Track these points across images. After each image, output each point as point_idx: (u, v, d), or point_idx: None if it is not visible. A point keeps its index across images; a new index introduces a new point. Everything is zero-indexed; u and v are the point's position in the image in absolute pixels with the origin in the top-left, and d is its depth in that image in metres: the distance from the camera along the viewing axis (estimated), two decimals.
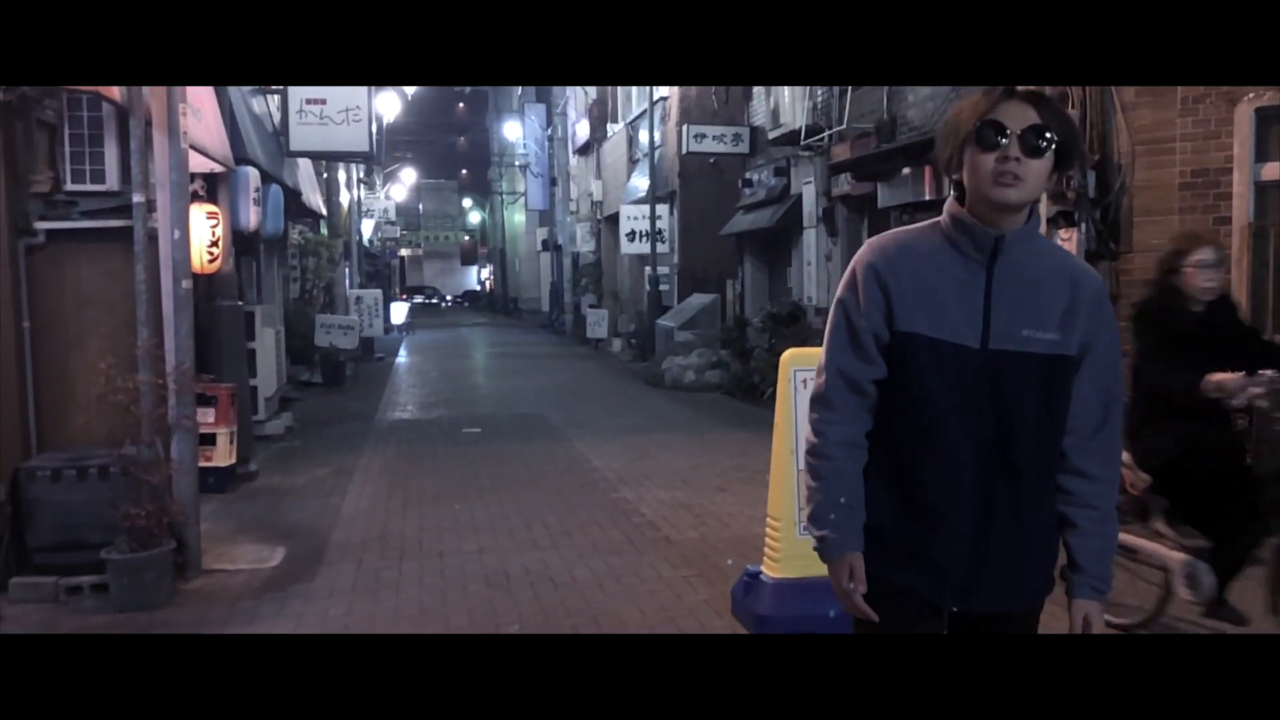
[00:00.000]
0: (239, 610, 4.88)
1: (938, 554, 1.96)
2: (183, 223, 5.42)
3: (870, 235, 10.88)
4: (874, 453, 2.01)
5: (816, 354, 4.69)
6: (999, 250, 1.91)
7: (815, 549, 2.04)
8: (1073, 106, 6.81)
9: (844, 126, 10.84)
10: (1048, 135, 1.85)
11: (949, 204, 1.97)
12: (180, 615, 4.82)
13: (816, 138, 11.75)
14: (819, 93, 11.74)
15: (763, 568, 4.53)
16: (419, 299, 55.59)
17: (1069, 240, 6.80)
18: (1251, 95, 6.22)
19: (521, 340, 27.72)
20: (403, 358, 21.49)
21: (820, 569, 4.28)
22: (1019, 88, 1.91)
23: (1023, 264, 1.93)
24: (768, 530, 4.54)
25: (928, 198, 9.26)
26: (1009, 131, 1.85)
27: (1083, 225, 6.78)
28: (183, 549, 5.27)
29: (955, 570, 1.96)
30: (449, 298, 60.67)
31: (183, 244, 5.41)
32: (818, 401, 2.04)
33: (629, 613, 4.77)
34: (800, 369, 4.51)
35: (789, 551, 4.42)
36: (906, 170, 9.61)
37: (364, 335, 18.62)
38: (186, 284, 5.41)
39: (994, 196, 1.86)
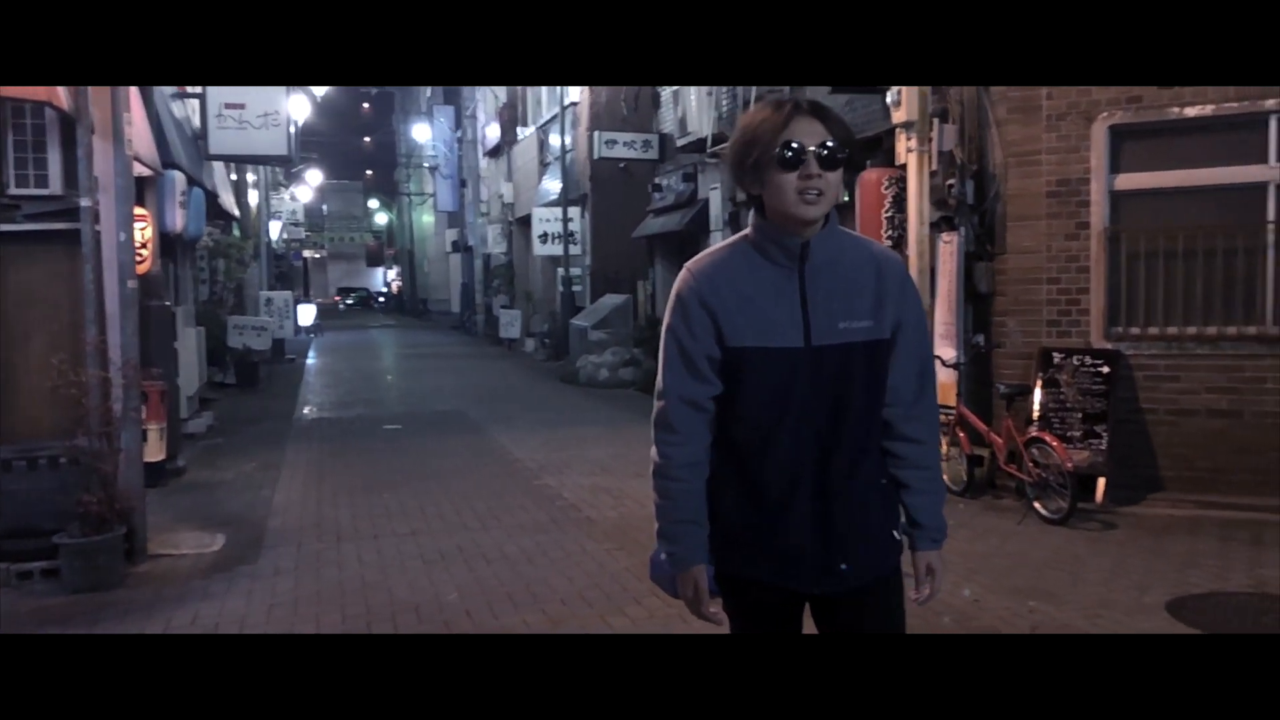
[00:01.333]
0: (190, 589, 5.19)
1: (790, 544, 2.05)
2: (127, 225, 5.69)
3: None
4: (719, 460, 2.09)
5: None
6: (806, 254, 2.01)
7: (663, 560, 2.14)
8: (953, 121, 7.51)
9: None
10: (842, 149, 1.95)
11: (753, 218, 2.07)
12: (133, 596, 5.11)
13: (722, 145, 12.35)
14: (724, 102, 12.35)
15: None
16: (350, 300, 56.42)
17: (950, 243, 7.48)
18: (1105, 114, 6.99)
19: (433, 341, 27.84)
20: (314, 359, 21.50)
21: None
22: (803, 101, 1.99)
23: (829, 262, 2.03)
24: None
25: None
26: (807, 150, 1.93)
27: (962, 230, 7.47)
28: (131, 535, 5.54)
29: (809, 556, 2.05)
30: (359, 297, 60.38)
31: (128, 246, 5.69)
32: (660, 425, 2.10)
33: (558, 581, 5.24)
34: None
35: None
36: None
37: (276, 337, 18.62)
38: (132, 284, 5.70)
39: (800, 214, 1.96)
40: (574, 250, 19.52)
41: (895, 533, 2.15)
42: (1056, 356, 7.05)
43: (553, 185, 20.55)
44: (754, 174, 2.00)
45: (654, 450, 2.12)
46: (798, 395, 2.02)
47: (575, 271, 19.95)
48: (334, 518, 6.79)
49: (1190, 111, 6.79)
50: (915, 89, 7.19)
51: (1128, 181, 7.05)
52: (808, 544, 2.05)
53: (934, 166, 7.34)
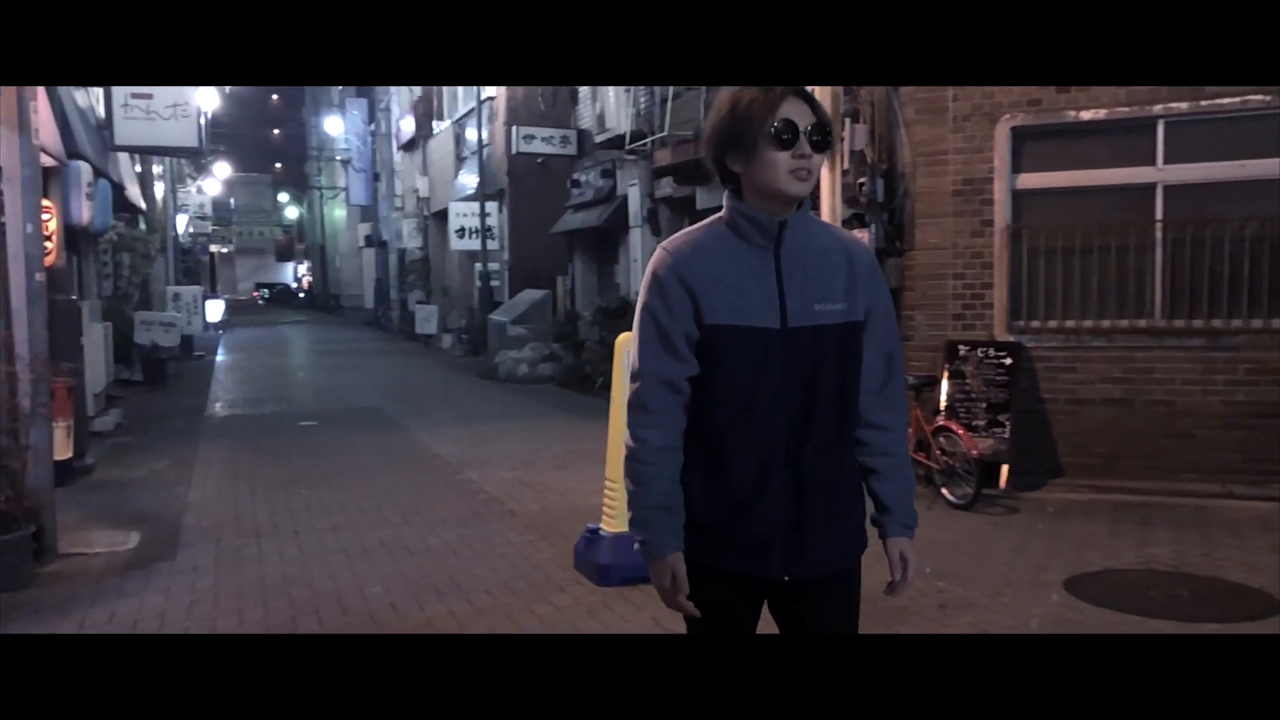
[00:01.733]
0: (105, 587, 5.10)
1: (762, 529, 2.03)
2: (34, 217, 5.55)
3: None
4: (691, 445, 2.06)
5: None
6: (782, 235, 2.02)
7: (636, 550, 2.08)
8: (864, 122, 7.74)
9: (665, 133, 11.62)
10: (829, 131, 2.00)
11: (729, 199, 2.06)
12: (44, 595, 5.00)
13: (640, 143, 12.48)
14: (642, 100, 12.48)
15: (602, 524, 5.15)
16: (267, 294, 55.94)
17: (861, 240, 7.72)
18: (1008, 116, 7.30)
19: (347, 337, 27.43)
20: (224, 356, 21.01)
21: None
22: (791, 87, 2.00)
23: (803, 244, 2.04)
24: (606, 491, 5.16)
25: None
26: (800, 130, 1.96)
27: (873, 226, 7.71)
28: (40, 533, 5.41)
29: (780, 542, 2.03)
30: (275, 292, 59.32)
31: (35, 238, 5.54)
32: (635, 407, 2.06)
33: (482, 572, 5.29)
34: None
35: (624, 509, 5.04)
36: None
37: (184, 333, 18.17)
38: (40, 277, 5.55)
39: (791, 190, 1.97)
40: (492, 245, 19.46)
41: (863, 524, 2.14)
42: (962, 349, 7.34)
43: (469, 180, 20.44)
44: (742, 152, 1.99)
45: (627, 435, 2.07)
46: (772, 377, 2.01)
47: (493, 266, 19.89)
48: (252, 514, 6.71)
49: (1085, 115, 7.13)
50: (827, 90, 7.39)
51: (1028, 181, 7.37)
52: (779, 530, 2.03)
53: (845, 165, 7.56)
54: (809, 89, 2.04)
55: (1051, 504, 6.64)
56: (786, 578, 2.05)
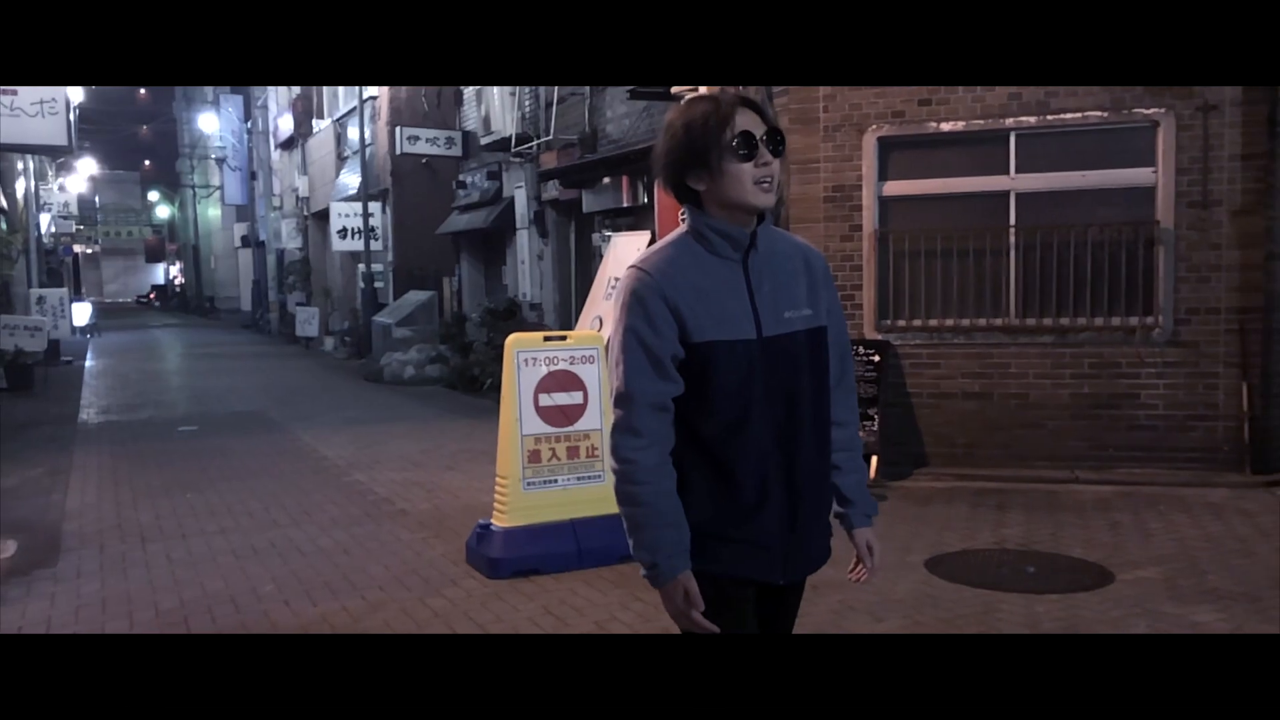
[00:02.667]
0: None
1: (765, 537, 2.05)
2: None
3: (577, 238, 11.92)
4: (690, 460, 2.05)
5: (536, 338, 5.58)
6: (752, 246, 2.04)
7: (645, 575, 2.05)
8: None
9: (550, 137, 11.80)
10: (781, 137, 2.02)
11: (694, 214, 2.05)
12: None
13: (526, 145, 12.63)
14: (527, 104, 12.62)
15: (493, 519, 5.31)
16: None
17: None
18: (874, 126, 7.74)
19: (224, 340, 26.68)
20: (94, 361, 20.25)
21: (542, 516, 5.18)
22: (742, 95, 2.02)
23: (767, 254, 2.06)
24: (497, 488, 5.33)
25: (626, 204, 10.39)
26: (758, 139, 1.96)
27: None
28: None
29: (778, 545, 2.07)
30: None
31: None
32: (625, 431, 2.03)
33: (375, 569, 5.39)
34: (522, 350, 5.34)
35: (515, 505, 5.24)
36: (607, 180, 10.71)
37: (51, 338, 17.44)
38: None
39: (758, 202, 1.98)
40: (375, 246, 19.27)
41: (831, 518, 2.20)
42: None
43: (351, 179, 20.18)
44: (705, 170, 1.98)
45: (614, 461, 2.05)
46: (758, 386, 2.02)
47: (377, 268, 19.70)
48: (136, 520, 6.63)
49: (945, 126, 7.62)
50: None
51: (894, 188, 7.82)
52: (777, 536, 2.06)
53: None
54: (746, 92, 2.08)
55: (916, 491, 7.09)
56: (781, 581, 2.11)
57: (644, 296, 2.00)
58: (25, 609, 4.82)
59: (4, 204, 14.54)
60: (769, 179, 1.98)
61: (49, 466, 8.53)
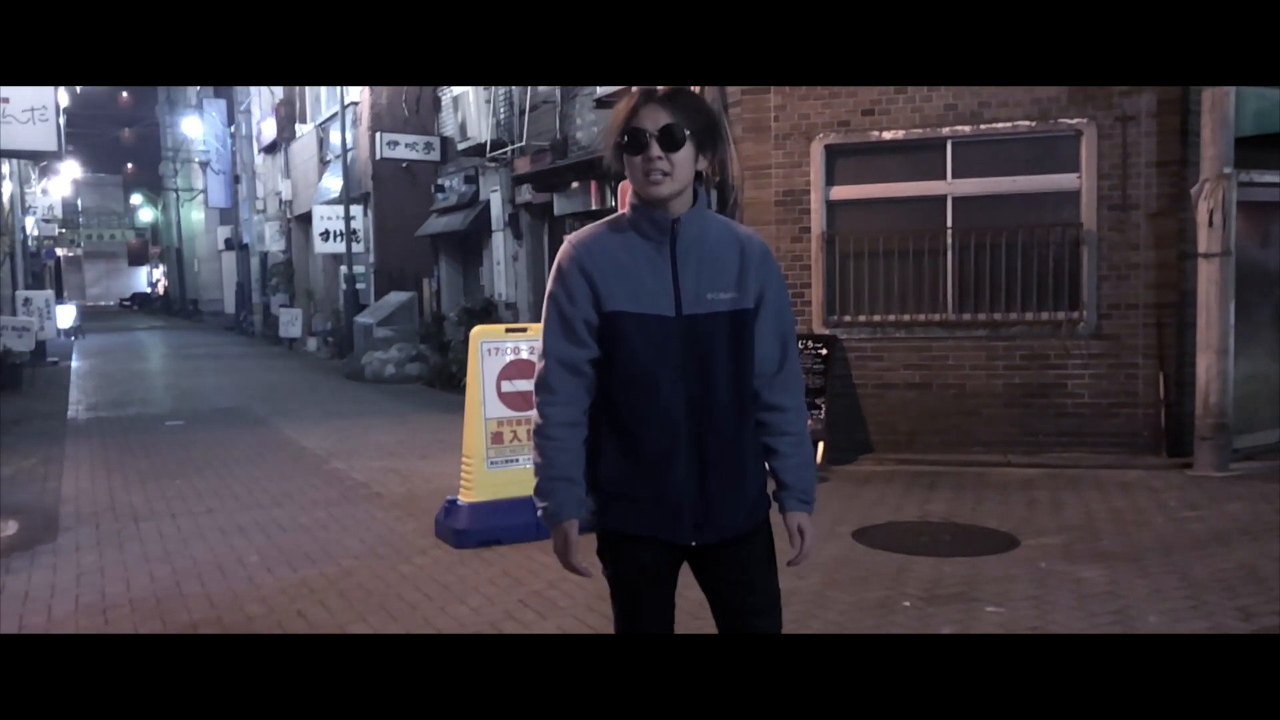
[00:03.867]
0: None
1: (671, 498, 2.19)
2: None
3: (550, 239, 12.43)
4: (603, 422, 2.22)
5: (499, 329, 6.09)
6: (677, 231, 2.18)
7: (539, 517, 2.23)
8: None
9: (524, 143, 12.31)
10: (681, 131, 2.11)
11: (630, 197, 2.22)
12: None
13: (501, 151, 13.13)
14: (501, 111, 13.13)
15: (459, 495, 5.81)
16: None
17: None
18: (821, 135, 8.27)
19: (209, 342, 27.04)
20: (80, 362, 20.63)
21: (504, 492, 5.66)
22: (656, 89, 2.15)
23: (698, 238, 2.19)
24: (462, 466, 5.83)
25: (594, 207, 10.90)
26: (648, 134, 2.10)
27: None
28: None
29: (687, 510, 2.20)
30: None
31: None
32: (541, 387, 2.22)
33: (350, 542, 5.88)
34: (486, 341, 5.84)
35: (479, 481, 5.74)
36: (575, 184, 11.23)
37: (38, 339, 17.83)
38: None
39: (648, 193, 2.14)
40: (357, 248, 19.72)
41: (764, 490, 2.30)
42: None
43: (334, 183, 20.61)
44: (615, 160, 2.19)
45: (534, 411, 2.24)
46: (670, 359, 2.17)
47: (359, 269, 20.13)
48: (128, 502, 7.09)
49: (887, 135, 8.16)
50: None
51: (840, 193, 8.36)
52: (685, 499, 2.19)
53: None
54: (689, 89, 2.22)
55: (858, 474, 7.62)
56: (694, 542, 2.22)
57: (565, 267, 2.21)
58: (30, 577, 5.28)
59: None
60: (657, 171, 2.11)
61: (42, 457, 8.97)
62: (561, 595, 4.74)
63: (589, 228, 2.27)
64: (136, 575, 5.27)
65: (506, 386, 5.82)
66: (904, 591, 4.69)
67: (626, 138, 2.13)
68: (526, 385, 5.80)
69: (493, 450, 5.78)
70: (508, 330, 6.03)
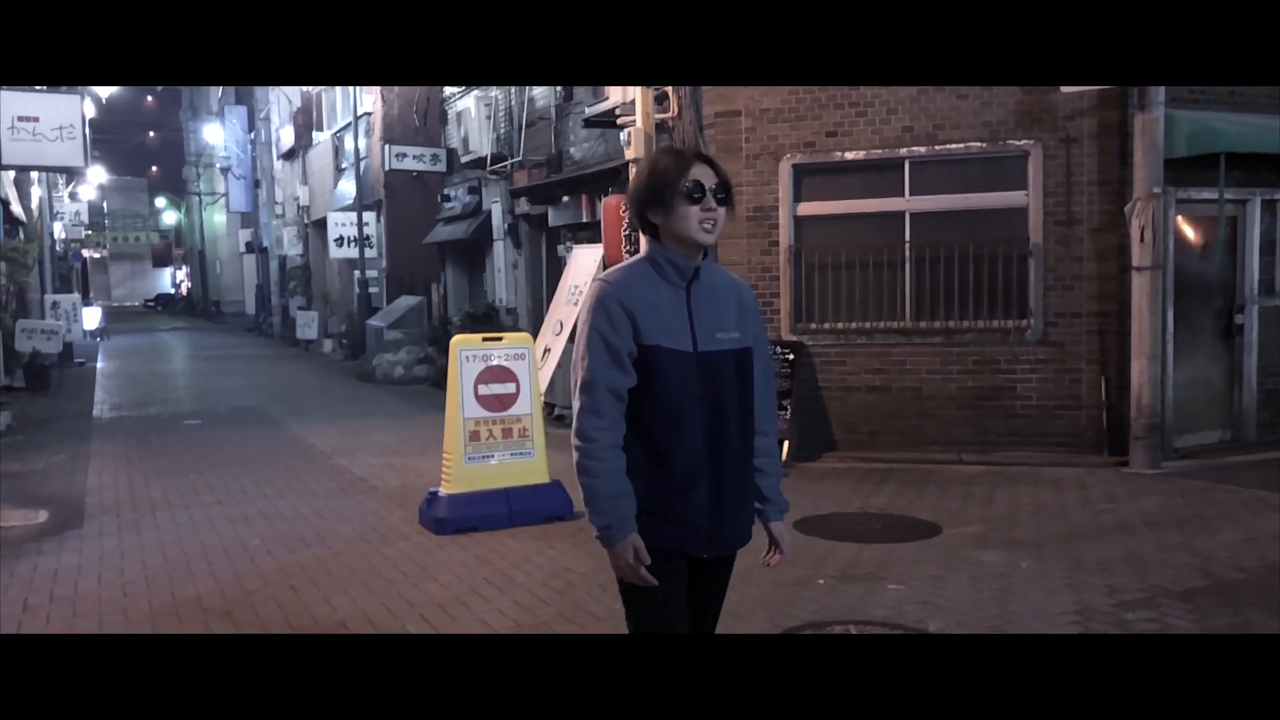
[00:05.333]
0: (25, 549, 6.16)
1: (694, 517, 2.46)
2: None
3: (547, 249, 13.10)
4: (635, 444, 2.45)
5: (476, 338, 6.75)
6: (695, 277, 2.48)
7: (598, 537, 2.43)
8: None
9: (521, 158, 12.97)
10: (729, 189, 2.49)
11: (650, 244, 2.51)
12: None
13: (501, 164, 13.80)
14: (501, 126, 13.79)
15: (440, 487, 6.46)
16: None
17: None
18: (789, 155, 8.88)
19: (228, 343, 27.86)
20: (105, 363, 21.43)
21: (480, 485, 6.31)
22: (700, 151, 2.53)
23: (709, 285, 2.51)
24: (444, 461, 6.48)
25: (584, 220, 11.55)
26: (707, 189, 2.42)
27: None
28: None
29: (706, 527, 2.47)
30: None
31: None
32: (589, 412, 2.42)
33: (343, 528, 6.55)
34: (464, 349, 6.49)
35: (458, 475, 6.39)
36: (566, 198, 11.88)
37: (65, 340, 18.62)
38: None
39: (700, 240, 2.43)
40: (370, 253, 20.43)
41: (753, 510, 2.61)
42: None
43: (348, 189, 21.32)
44: (661, 207, 2.44)
45: (577, 439, 2.44)
46: (693, 391, 2.44)
47: (372, 274, 20.83)
48: (146, 495, 7.78)
49: (849, 155, 8.76)
50: (641, 132, 8.87)
51: (807, 209, 8.96)
52: (705, 516, 2.47)
53: None
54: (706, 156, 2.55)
55: (818, 470, 8.22)
56: (706, 555, 2.51)
57: (606, 302, 2.44)
58: (60, 558, 5.97)
59: (22, 216, 15.70)
60: (712, 221, 2.44)
61: (70, 454, 9.70)
62: (521, 574, 5.38)
63: (617, 269, 2.54)
64: (151, 557, 5.95)
65: (483, 390, 6.47)
66: (821, 571, 5.30)
67: (690, 186, 2.42)
68: (501, 389, 6.48)
69: (470, 447, 6.43)
70: (484, 339, 6.68)
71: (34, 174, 21.38)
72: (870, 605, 4.77)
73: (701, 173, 2.44)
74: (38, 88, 11.53)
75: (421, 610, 4.86)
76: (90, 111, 23.23)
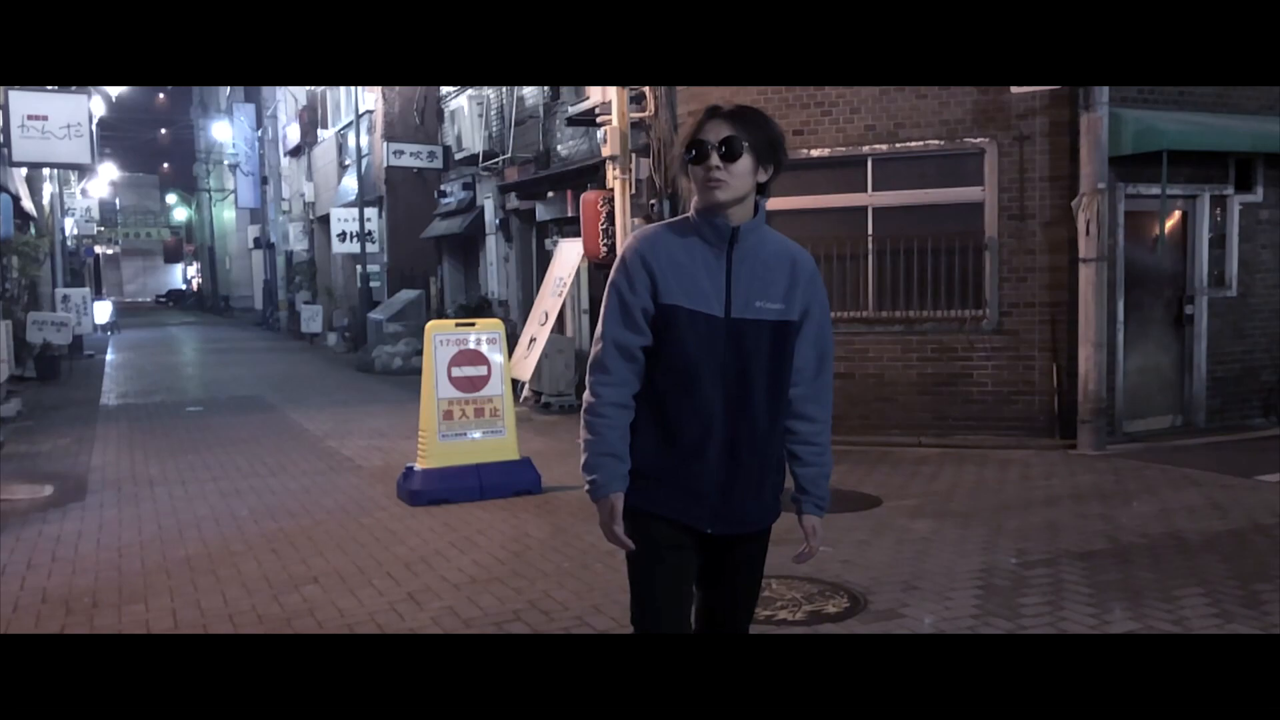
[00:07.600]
0: (31, 518, 6.65)
1: (698, 485, 2.33)
2: None
3: (536, 243, 13.62)
4: (644, 406, 2.36)
5: (449, 324, 7.26)
6: (735, 238, 2.32)
7: (586, 490, 2.37)
8: (650, 157, 9.64)
9: (511, 155, 13.43)
10: (740, 143, 2.27)
11: (694, 203, 2.37)
12: None
13: (493, 161, 14.27)
14: (493, 124, 14.25)
15: (416, 463, 6.93)
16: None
17: None
18: None
19: (235, 337, 28.41)
20: (114, 355, 21.99)
21: (452, 460, 6.81)
22: (721, 106, 2.31)
23: (754, 249, 2.34)
24: (419, 437, 6.94)
25: (570, 214, 12.00)
26: (709, 145, 2.26)
27: None
28: None
29: (711, 499, 2.34)
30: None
31: None
32: (596, 368, 2.36)
33: (326, 501, 7.02)
34: (438, 334, 6.95)
35: (432, 451, 6.85)
36: (552, 194, 12.34)
37: (75, 333, 19.16)
38: None
39: (706, 198, 2.31)
40: (371, 248, 20.93)
41: (780, 496, 2.45)
42: None
43: (351, 185, 21.83)
44: (682, 170, 2.38)
45: (587, 392, 2.38)
46: (714, 358, 2.31)
47: (373, 268, 21.33)
48: (146, 472, 8.27)
49: (815, 152, 9.19)
50: (617, 131, 9.31)
51: (775, 203, 9.28)
52: (711, 489, 2.34)
53: (633, 190, 9.48)
54: (748, 107, 2.37)
55: None
56: (710, 530, 2.37)
57: (628, 259, 2.37)
58: (63, 526, 6.45)
59: (33, 211, 16.24)
60: (715, 179, 2.29)
61: (75, 436, 10.20)
62: (484, 539, 5.84)
63: (653, 226, 2.45)
64: (147, 525, 6.43)
65: (456, 372, 6.92)
66: None
67: (693, 150, 2.31)
68: (474, 371, 6.93)
69: (444, 425, 6.88)
70: (457, 324, 7.14)
71: (45, 171, 21.98)
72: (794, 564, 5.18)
73: (710, 129, 2.31)
74: (47, 88, 12.03)
75: (389, 568, 5.32)
76: (101, 109, 23.84)
